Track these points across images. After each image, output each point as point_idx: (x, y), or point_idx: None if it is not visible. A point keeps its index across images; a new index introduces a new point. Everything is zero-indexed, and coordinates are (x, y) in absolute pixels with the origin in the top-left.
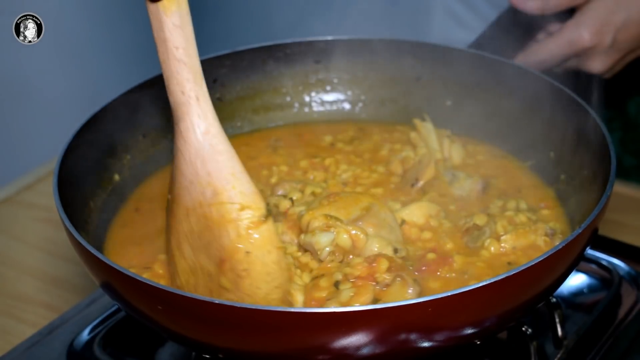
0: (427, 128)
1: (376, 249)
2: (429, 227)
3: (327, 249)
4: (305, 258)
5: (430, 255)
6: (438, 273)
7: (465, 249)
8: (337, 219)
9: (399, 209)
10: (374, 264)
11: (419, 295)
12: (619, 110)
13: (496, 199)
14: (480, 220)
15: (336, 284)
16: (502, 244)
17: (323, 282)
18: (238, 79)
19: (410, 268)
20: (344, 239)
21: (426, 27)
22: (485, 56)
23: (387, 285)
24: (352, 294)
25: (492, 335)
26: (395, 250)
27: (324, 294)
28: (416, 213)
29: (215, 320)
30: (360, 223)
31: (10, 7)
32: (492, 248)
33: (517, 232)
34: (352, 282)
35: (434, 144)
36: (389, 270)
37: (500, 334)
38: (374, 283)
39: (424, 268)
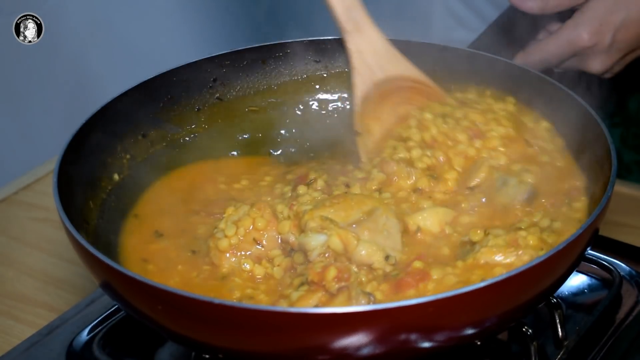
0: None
1: (364, 254)
2: (444, 236)
3: (317, 251)
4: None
5: (417, 264)
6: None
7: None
8: (332, 221)
9: (412, 214)
10: (324, 271)
11: None
12: (620, 106)
13: (538, 212)
14: (476, 236)
15: (301, 285)
16: (482, 260)
17: (296, 281)
18: (238, 79)
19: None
20: (336, 242)
21: (426, 27)
22: (485, 56)
23: (334, 295)
24: (301, 295)
25: (493, 335)
26: (387, 257)
27: (289, 291)
28: (431, 220)
29: (215, 320)
30: (355, 227)
31: (10, 7)
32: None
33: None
34: (307, 285)
35: None
36: (336, 279)
37: (500, 335)
38: (323, 290)
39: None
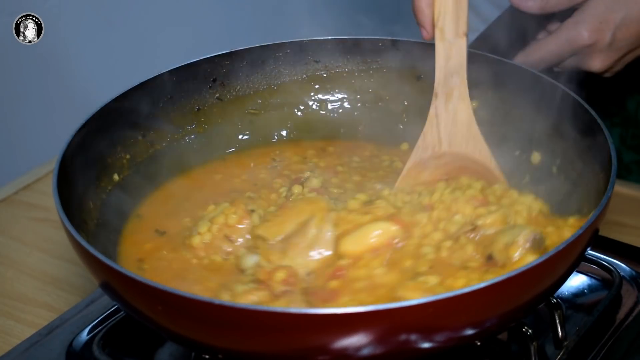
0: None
1: (284, 268)
2: (383, 258)
3: (250, 270)
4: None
5: (332, 284)
6: None
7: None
8: (264, 240)
9: (340, 235)
10: (274, 271)
11: None
12: (619, 106)
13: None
14: (421, 267)
15: (250, 281)
16: (398, 293)
17: (246, 277)
18: (238, 79)
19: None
20: (264, 262)
21: None
22: (485, 56)
23: (277, 297)
24: (245, 289)
25: (493, 336)
26: (309, 274)
27: (236, 284)
28: (360, 243)
29: (215, 321)
30: (285, 241)
31: (10, 7)
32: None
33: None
34: (256, 283)
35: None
36: (284, 282)
37: (500, 335)
38: (267, 290)
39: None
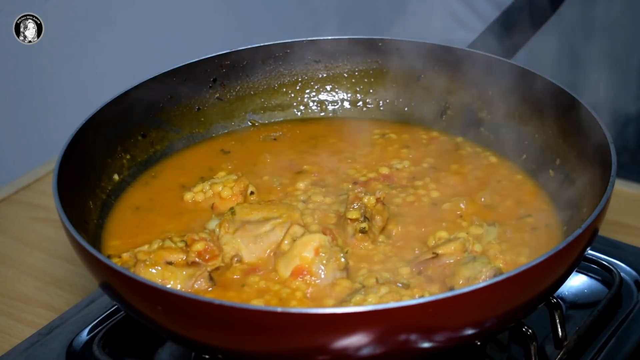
0: (490, 232)
1: (221, 243)
2: (310, 273)
3: (209, 229)
4: None
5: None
6: None
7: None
8: (234, 213)
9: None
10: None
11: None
12: None
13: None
14: (369, 282)
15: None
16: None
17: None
18: (238, 79)
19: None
20: (217, 228)
21: (426, 27)
22: (485, 56)
23: (187, 265)
24: (164, 245)
25: (493, 335)
26: (235, 257)
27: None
28: (294, 253)
29: (214, 321)
30: (243, 224)
31: (10, 7)
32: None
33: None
34: (184, 243)
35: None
36: (198, 254)
37: (500, 335)
38: (184, 254)
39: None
